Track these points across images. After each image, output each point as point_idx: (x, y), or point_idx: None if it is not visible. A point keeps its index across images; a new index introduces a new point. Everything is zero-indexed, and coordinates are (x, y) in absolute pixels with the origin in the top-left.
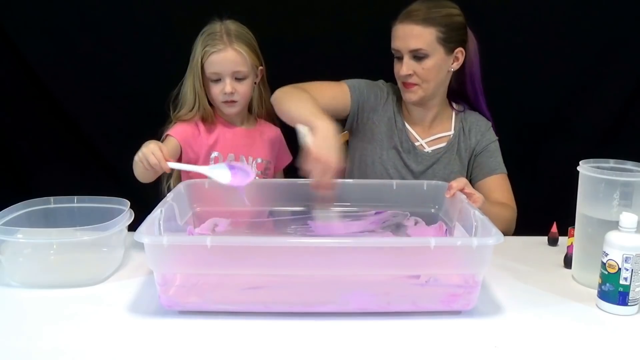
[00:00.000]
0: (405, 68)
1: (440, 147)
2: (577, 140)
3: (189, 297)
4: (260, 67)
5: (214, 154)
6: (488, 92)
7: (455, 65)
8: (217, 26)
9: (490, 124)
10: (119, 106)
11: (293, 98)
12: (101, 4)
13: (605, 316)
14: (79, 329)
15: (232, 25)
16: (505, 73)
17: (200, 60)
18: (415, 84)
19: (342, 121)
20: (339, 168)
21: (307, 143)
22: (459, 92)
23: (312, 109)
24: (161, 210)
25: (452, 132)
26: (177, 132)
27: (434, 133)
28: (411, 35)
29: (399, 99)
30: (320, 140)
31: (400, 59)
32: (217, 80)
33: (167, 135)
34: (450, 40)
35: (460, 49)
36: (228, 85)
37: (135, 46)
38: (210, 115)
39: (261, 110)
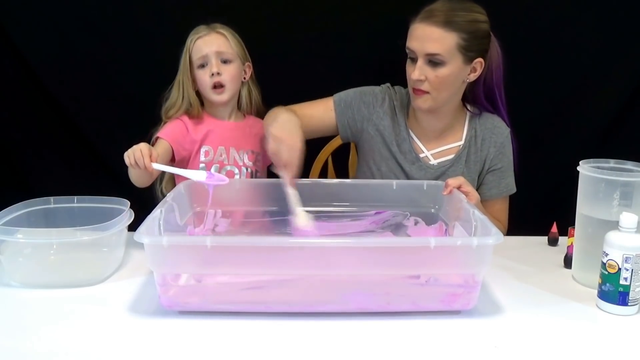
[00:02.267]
0: (417, 72)
1: (447, 160)
2: (577, 140)
3: (189, 297)
4: (248, 63)
5: (205, 148)
6: None
7: (472, 77)
8: (204, 25)
9: (508, 131)
10: (120, 107)
11: (272, 113)
12: (102, 4)
13: (605, 316)
14: (79, 329)
15: (220, 25)
16: (505, 73)
17: (188, 51)
18: (426, 92)
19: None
20: (301, 148)
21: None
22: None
23: (280, 113)
24: (161, 211)
25: (462, 142)
26: (166, 134)
27: (442, 144)
28: (430, 38)
29: (408, 105)
30: (279, 124)
31: (414, 60)
32: (204, 66)
33: (157, 137)
34: (471, 49)
35: (480, 59)
36: (214, 65)
37: (136, 47)
38: (195, 106)
39: (249, 107)
